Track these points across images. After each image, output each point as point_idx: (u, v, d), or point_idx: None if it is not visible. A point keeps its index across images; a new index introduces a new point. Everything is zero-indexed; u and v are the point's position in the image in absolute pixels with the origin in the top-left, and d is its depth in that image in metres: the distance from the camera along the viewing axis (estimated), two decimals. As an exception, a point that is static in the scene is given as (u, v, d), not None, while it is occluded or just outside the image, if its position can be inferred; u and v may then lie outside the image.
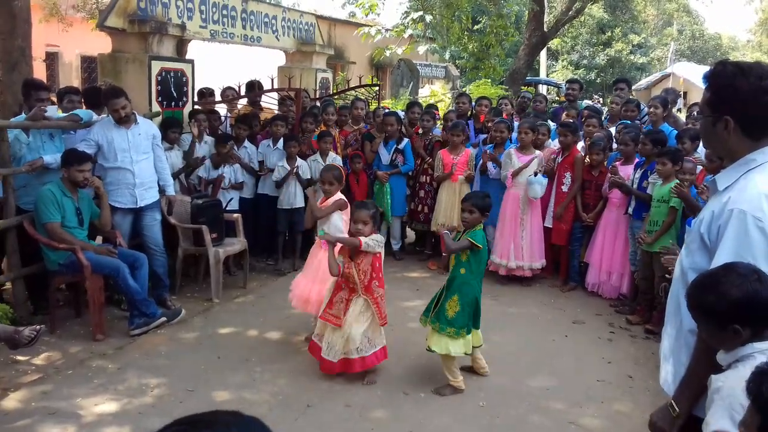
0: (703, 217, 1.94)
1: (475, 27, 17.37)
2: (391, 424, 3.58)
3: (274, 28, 7.62)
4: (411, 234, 7.57)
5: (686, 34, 40.41)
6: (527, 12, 15.01)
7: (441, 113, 8.02)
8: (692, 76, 22.28)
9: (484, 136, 6.82)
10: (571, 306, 5.72)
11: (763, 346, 1.66)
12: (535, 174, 5.94)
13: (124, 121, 4.99)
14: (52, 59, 15.65)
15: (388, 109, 8.75)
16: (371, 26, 11.69)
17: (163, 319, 4.80)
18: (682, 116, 8.62)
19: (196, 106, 6.42)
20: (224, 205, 5.99)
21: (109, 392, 3.79)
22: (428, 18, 11.64)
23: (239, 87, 7.60)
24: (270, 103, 7.88)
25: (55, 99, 5.87)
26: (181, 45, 6.56)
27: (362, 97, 8.29)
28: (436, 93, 15.03)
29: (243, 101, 7.62)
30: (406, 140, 6.80)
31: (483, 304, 4.05)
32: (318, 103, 7.75)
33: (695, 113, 6.53)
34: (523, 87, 14.18)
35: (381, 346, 4.02)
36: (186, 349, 4.49)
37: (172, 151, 5.77)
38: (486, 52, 14.10)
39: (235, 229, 5.91)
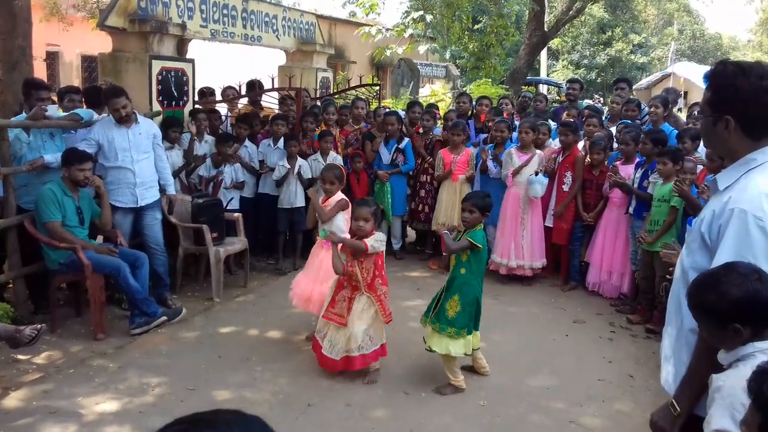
0: (703, 217, 1.94)
1: (476, 27, 17.39)
2: (391, 423, 3.58)
3: (275, 28, 7.62)
4: (412, 233, 7.58)
5: (687, 33, 40.40)
6: (528, 12, 15.02)
7: (441, 113, 8.00)
8: (693, 75, 22.29)
9: (485, 135, 6.81)
10: (571, 305, 5.72)
11: (763, 345, 1.66)
12: (536, 173, 5.95)
13: (124, 120, 4.99)
14: (52, 59, 15.65)
15: (389, 108, 8.75)
16: (372, 26, 11.70)
17: (164, 318, 4.81)
18: (683, 116, 8.60)
19: (196, 106, 6.42)
20: (225, 204, 6.00)
21: (109, 391, 3.79)
22: (429, 17, 11.65)
23: (240, 86, 7.60)
24: (270, 102, 7.88)
25: (55, 98, 5.87)
26: (182, 44, 6.57)
27: (363, 97, 8.29)
28: (436, 92, 15.03)
29: (243, 101, 7.62)
30: (406, 140, 6.80)
31: (483, 304, 4.04)
32: (318, 103, 7.75)
33: (696, 113, 6.52)
34: (523, 86, 14.19)
35: (381, 343, 4.03)
36: (187, 348, 4.50)
37: (172, 150, 5.78)
38: (486, 51, 14.11)
39: (236, 229, 5.91)
